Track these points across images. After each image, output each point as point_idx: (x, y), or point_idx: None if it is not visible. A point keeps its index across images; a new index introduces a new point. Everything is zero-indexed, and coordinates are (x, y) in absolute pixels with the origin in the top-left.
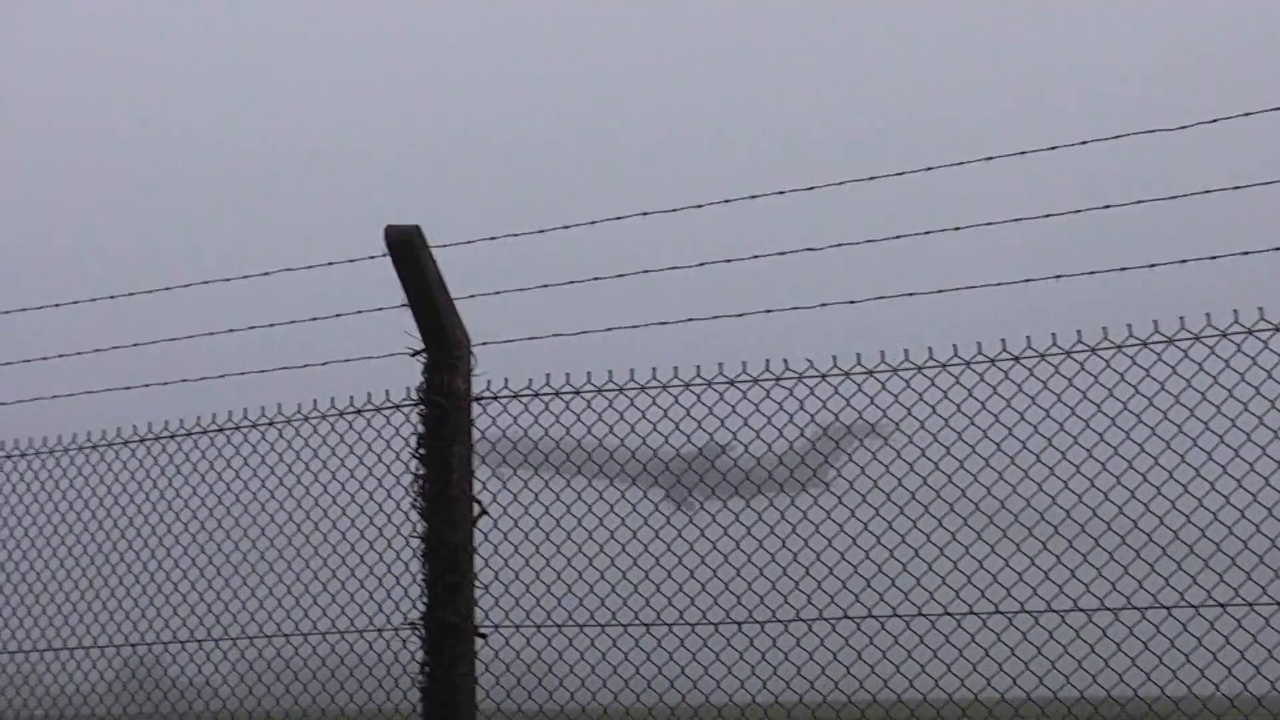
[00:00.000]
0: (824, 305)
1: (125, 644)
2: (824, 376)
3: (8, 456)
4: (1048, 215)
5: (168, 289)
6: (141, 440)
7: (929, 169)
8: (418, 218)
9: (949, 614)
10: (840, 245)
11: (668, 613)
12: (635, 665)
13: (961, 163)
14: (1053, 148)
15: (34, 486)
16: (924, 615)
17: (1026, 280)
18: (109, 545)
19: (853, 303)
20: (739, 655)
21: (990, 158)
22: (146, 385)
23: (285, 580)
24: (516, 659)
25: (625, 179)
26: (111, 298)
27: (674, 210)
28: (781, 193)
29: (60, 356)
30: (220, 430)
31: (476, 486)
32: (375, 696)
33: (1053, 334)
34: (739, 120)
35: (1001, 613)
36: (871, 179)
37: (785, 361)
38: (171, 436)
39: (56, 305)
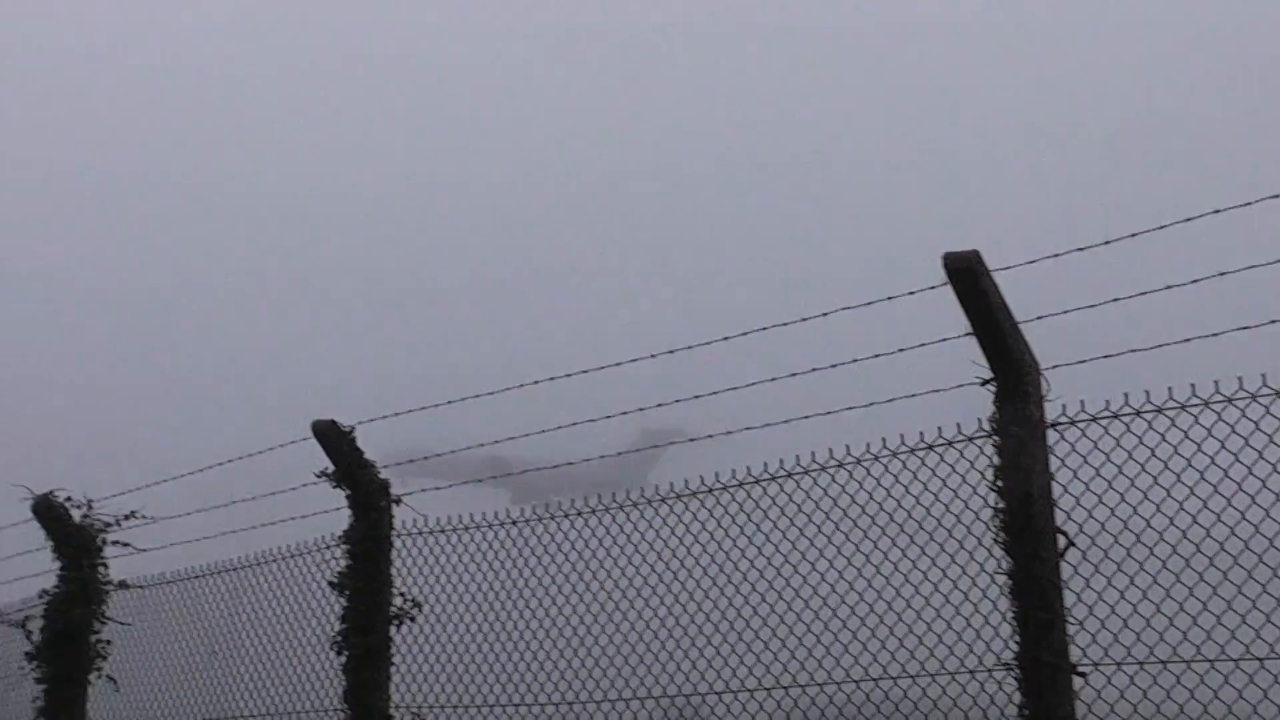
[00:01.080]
0: None
1: (664, 694)
2: None
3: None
4: None
5: (726, 339)
6: (710, 491)
7: None
8: (968, 242)
9: None
10: None
11: None
12: (1251, 703)
13: None
14: None
15: (550, 548)
16: None
17: None
18: (651, 595)
19: None
20: None
21: None
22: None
23: (869, 623)
24: (1121, 698)
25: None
26: (652, 356)
27: (1249, 204)
28: None
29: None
30: (790, 475)
31: (1059, 517)
32: None
33: None
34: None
35: None
36: None
37: None
38: (740, 485)
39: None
